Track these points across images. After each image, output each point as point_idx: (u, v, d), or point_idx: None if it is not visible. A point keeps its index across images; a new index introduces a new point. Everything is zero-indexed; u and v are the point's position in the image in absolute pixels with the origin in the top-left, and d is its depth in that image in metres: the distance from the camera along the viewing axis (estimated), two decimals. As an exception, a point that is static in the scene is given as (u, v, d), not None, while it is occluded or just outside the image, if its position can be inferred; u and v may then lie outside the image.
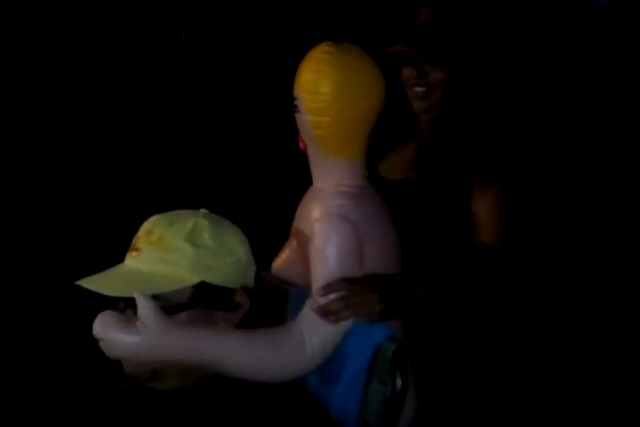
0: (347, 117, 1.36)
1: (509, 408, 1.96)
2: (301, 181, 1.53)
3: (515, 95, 2.52)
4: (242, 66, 2.97)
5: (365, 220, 1.37)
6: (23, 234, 2.64)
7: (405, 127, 1.87)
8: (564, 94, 2.62)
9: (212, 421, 1.24)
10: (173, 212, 1.32)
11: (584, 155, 2.59)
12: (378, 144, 1.89)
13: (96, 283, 1.24)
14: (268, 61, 2.90)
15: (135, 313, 1.20)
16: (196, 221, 1.27)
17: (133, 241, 1.29)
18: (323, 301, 1.29)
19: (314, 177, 1.46)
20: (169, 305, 1.22)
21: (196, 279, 1.23)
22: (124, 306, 1.25)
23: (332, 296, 1.28)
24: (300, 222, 1.46)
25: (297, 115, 1.41)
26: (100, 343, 1.21)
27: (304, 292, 1.38)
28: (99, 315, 1.20)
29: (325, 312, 1.28)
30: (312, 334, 1.27)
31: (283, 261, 1.59)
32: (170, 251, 1.24)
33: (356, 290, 1.30)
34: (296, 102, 1.39)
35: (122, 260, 1.30)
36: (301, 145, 1.45)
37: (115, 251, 1.38)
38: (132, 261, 1.27)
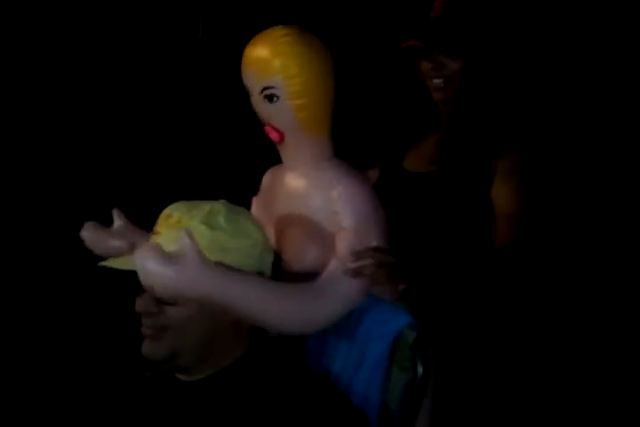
0: (323, 95, 1.38)
1: (522, 402, 1.97)
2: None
3: (532, 84, 2.51)
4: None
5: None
6: (23, 234, 2.65)
7: (428, 121, 1.88)
8: (582, 83, 2.61)
9: (234, 410, 1.26)
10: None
11: (603, 144, 2.59)
12: (401, 138, 1.92)
13: (118, 262, 1.31)
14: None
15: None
16: (213, 206, 1.32)
17: (154, 227, 1.33)
18: (353, 265, 1.33)
19: (292, 162, 1.43)
20: None
21: (212, 260, 1.25)
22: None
23: (366, 261, 1.32)
24: (285, 205, 1.44)
25: (269, 105, 1.37)
26: (139, 274, 1.22)
27: None
28: (137, 248, 1.23)
29: (356, 274, 1.32)
30: (334, 292, 1.32)
31: None
32: None
33: (388, 260, 1.33)
34: (270, 92, 1.36)
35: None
36: (275, 135, 1.40)
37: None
38: None
